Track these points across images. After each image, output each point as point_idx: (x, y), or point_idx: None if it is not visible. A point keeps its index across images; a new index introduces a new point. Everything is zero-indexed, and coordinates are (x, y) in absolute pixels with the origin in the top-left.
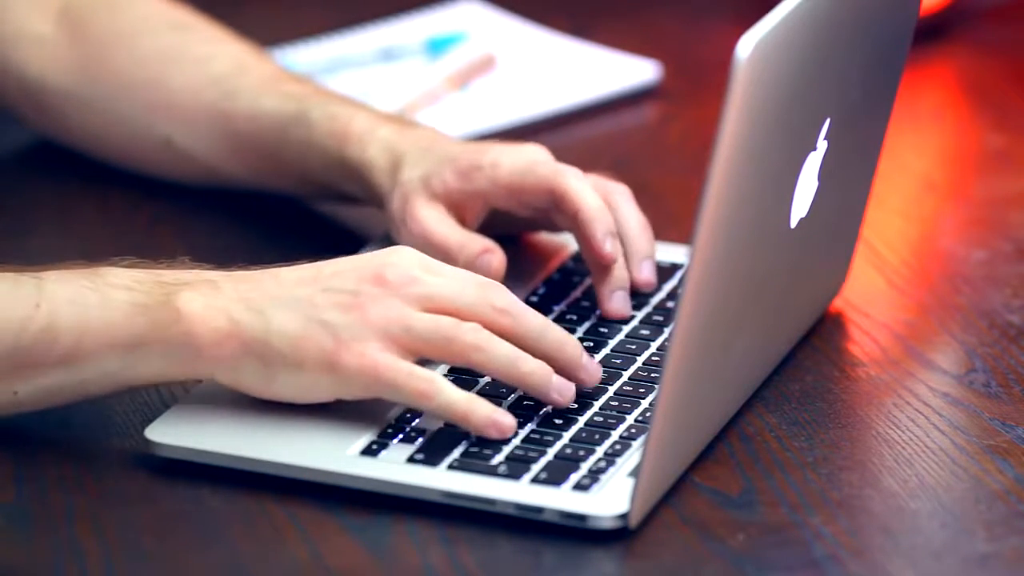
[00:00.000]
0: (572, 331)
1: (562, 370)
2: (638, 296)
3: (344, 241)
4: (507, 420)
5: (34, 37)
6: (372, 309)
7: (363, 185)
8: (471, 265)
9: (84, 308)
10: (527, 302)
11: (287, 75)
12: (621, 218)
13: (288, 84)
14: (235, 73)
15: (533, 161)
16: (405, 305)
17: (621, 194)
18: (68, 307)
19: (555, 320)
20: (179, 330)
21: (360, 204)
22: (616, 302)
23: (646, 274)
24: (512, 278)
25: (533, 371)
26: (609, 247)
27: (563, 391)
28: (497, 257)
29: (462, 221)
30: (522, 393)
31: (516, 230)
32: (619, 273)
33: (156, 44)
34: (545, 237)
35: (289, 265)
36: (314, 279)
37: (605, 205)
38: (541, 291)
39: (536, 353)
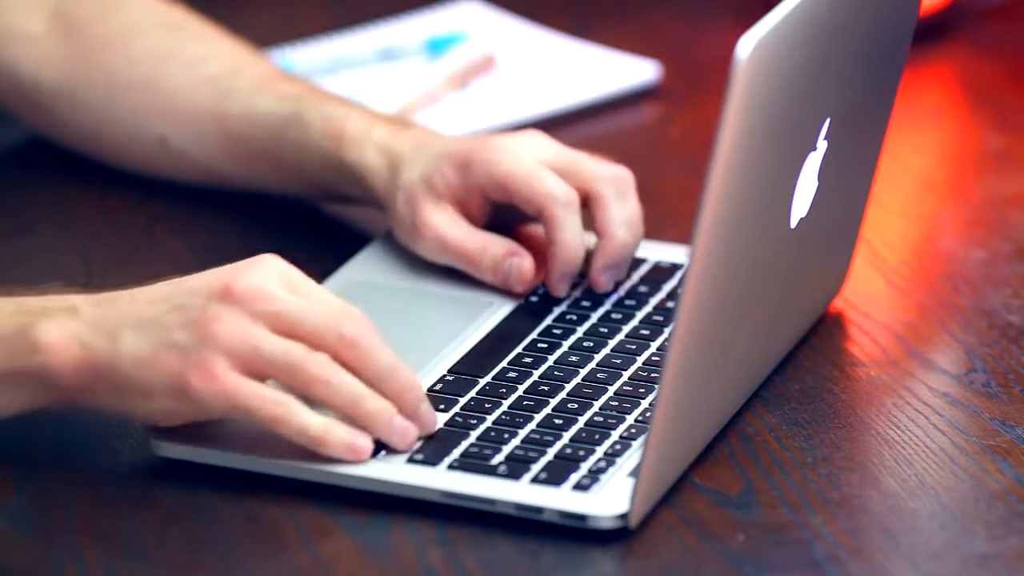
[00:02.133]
0: (572, 331)
1: (400, 413)
2: (637, 296)
3: (345, 240)
4: (363, 443)
5: (26, 36)
6: (217, 326)
7: (361, 187)
8: (498, 269)
9: None
10: (526, 304)
11: (282, 75)
12: (603, 218)
13: (283, 84)
14: (229, 73)
15: (530, 174)
16: (252, 323)
17: (616, 186)
18: None
19: (555, 320)
20: (36, 362)
21: (358, 204)
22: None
23: (602, 282)
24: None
25: (375, 412)
26: (561, 289)
27: (404, 435)
28: (527, 261)
29: (469, 217)
30: (522, 393)
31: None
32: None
33: (149, 44)
34: (544, 237)
35: (154, 282)
36: (167, 297)
37: (582, 242)
38: (540, 291)
39: (378, 391)
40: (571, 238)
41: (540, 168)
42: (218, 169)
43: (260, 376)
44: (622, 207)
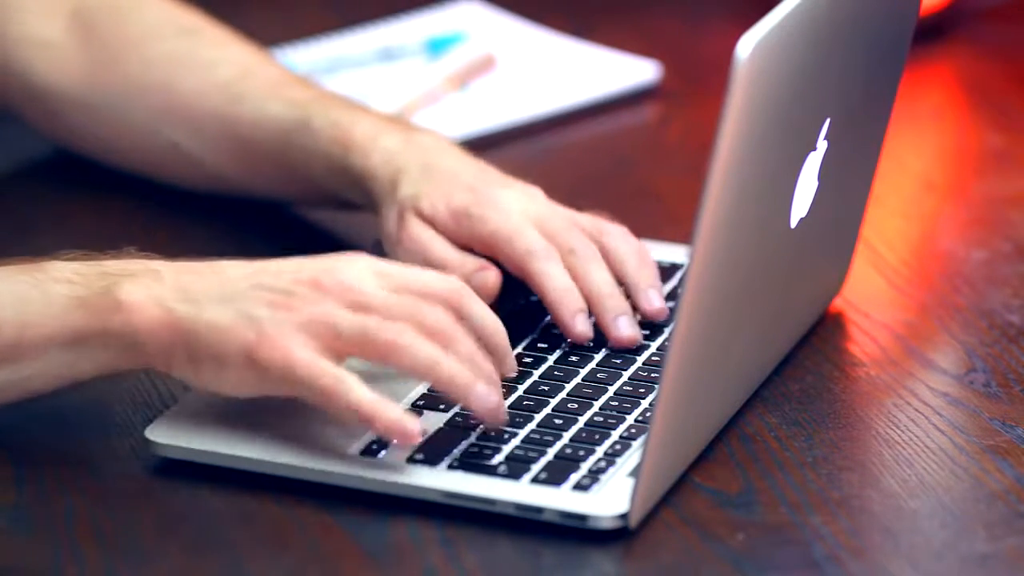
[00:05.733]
0: None
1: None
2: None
3: (340, 248)
4: (413, 426)
5: (42, 41)
6: (301, 308)
7: (364, 192)
8: (467, 281)
9: (25, 304)
10: (527, 306)
11: (293, 79)
12: (615, 258)
13: (293, 89)
14: (241, 78)
15: (514, 232)
16: (335, 307)
17: (614, 234)
18: (9, 303)
19: (553, 321)
20: (119, 320)
21: (360, 211)
22: (622, 328)
23: (655, 304)
24: (512, 286)
25: (454, 376)
26: (580, 326)
27: (484, 399)
28: (492, 274)
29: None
30: (522, 393)
31: None
32: (612, 303)
33: (164, 49)
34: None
35: (238, 260)
36: (253, 275)
37: (573, 283)
38: (535, 298)
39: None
40: (555, 287)
41: (524, 225)
42: (228, 174)
43: (337, 352)
44: (599, 269)
